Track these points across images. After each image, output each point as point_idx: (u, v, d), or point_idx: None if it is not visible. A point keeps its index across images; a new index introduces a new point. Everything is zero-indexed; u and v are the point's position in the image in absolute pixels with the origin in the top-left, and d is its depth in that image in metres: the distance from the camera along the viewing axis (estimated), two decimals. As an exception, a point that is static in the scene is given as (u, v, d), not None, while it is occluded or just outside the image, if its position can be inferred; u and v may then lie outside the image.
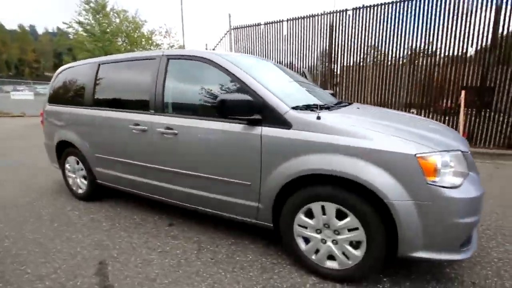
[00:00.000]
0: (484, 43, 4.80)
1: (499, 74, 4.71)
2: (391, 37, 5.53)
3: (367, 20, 5.67)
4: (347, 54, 6.04)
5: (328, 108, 2.02)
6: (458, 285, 1.68)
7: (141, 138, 2.32)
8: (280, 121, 1.72)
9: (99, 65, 2.74)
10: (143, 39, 14.38)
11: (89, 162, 2.83)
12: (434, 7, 5.07)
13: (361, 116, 1.90)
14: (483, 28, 4.73)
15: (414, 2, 5.22)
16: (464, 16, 4.79)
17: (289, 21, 6.52)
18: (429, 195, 1.41)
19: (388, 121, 1.79)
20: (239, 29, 7.26)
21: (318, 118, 1.65)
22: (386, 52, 5.65)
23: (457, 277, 1.75)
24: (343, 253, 1.65)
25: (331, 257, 1.71)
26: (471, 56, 4.94)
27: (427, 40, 5.23)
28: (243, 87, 1.86)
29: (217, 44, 7.82)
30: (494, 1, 4.55)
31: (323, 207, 1.64)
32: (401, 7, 5.33)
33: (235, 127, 1.86)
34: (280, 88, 2.04)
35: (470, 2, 4.73)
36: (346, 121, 1.68)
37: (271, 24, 6.75)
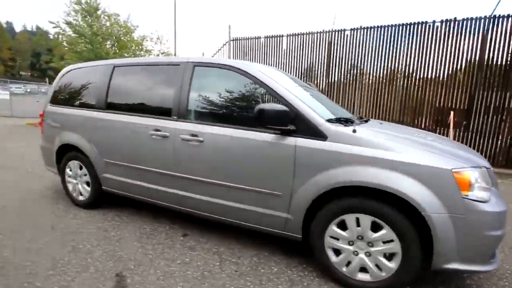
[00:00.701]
0: (471, 68, 5.21)
1: (485, 98, 5.10)
2: (385, 57, 5.85)
3: (363, 40, 5.98)
4: (344, 70, 6.31)
5: (352, 122, 2.08)
6: (481, 297, 1.75)
7: (161, 145, 2.25)
8: (315, 133, 1.75)
9: (114, 67, 2.66)
10: (134, 44, 14.14)
11: (96, 168, 2.70)
12: (426, 31, 5.46)
13: (390, 131, 1.98)
14: (470, 53, 5.15)
15: (408, 27, 5.60)
16: (455, 41, 5.20)
17: (288, 36, 6.73)
18: (464, 208, 1.47)
19: (416, 137, 1.87)
20: (238, 41, 7.38)
21: (354, 131, 1.70)
22: (381, 71, 5.96)
23: (478, 288, 1.83)
24: (376, 265, 1.67)
25: (362, 269, 1.72)
26: (459, 79, 5.32)
27: (418, 62, 5.59)
28: (278, 99, 1.88)
29: (215, 53, 7.87)
30: (481, 29, 4.99)
31: (357, 219, 1.66)
32: (396, 30, 5.69)
33: (266, 137, 1.87)
34: (308, 100, 2.08)
35: (459, 30, 5.16)
36: (380, 135, 1.74)
37: (271, 38, 6.93)
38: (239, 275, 1.89)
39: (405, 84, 5.77)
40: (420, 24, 5.48)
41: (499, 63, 4.99)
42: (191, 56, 2.32)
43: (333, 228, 1.74)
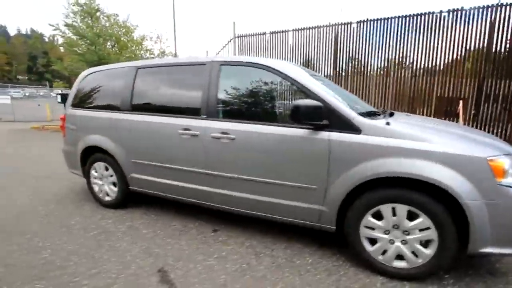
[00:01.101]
0: (479, 57, 5.24)
1: (493, 86, 5.15)
2: (393, 49, 5.87)
3: (370, 33, 6.01)
4: (351, 63, 6.34)
5: (379, 114, 2.13)
6: (512, 279, 1.82)
7: (191, 143, 2.30)
8: (349, 127, 1.80)
9: (137, 69, 2.70)
10: (134, 44, 14.11)
11: (123, 168, 2.75)
12: (433, 22, 5.48)
13: (419, 122, 2.03)
14: (478, 43, 5.18)
15: (415, 18, 5.62)
16: (462, 31, 5.22)
17: (294, 31, 6.74)
18: (499, 195, 1.53)
19: (446, 127, 1.92)
20: (243, 37, 7.39)
21: (388, 124, 1.75)
22: (388, 63, 5.99)
23: (507, 271, 1.90)
24: (413, 252, 1.73)
25: (398, 256, 1.78)
26: (467, 68, 5.36)
27: (426, 53, 5.61)
28: (310, 95, 1.92)
29: (220, 51, 7.88)
30: (488, 18, 5.01)
31: (393, 209, 1.72)
32: (403, 22, 5.71)
33: (299, 132, 1.92)
34: (336, 95, 2.12)
35: (467, 19, 5.18)
36: (413, 127, 1.79)
37: (276, 34, 6.94)
38: (277, 267, 1.95)
39: (413, 75, 5.81)
40: (427, 15, 5.50)
41: (507, 51, 5.01)
42: (215, 56, 2.36)
43: (369, 219, 1.80)
